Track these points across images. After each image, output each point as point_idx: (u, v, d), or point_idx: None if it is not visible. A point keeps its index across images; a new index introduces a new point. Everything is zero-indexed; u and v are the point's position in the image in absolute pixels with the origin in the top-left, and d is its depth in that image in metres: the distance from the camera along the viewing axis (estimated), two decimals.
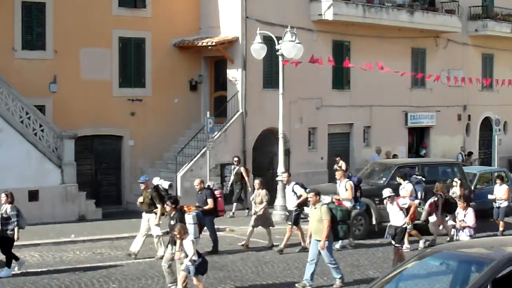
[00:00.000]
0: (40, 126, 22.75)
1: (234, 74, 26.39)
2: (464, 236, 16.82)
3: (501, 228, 21.26)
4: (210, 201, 17.93)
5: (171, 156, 25.61)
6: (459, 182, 20.89)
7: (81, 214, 22.85)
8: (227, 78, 26.66)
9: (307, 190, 18.09)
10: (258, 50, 23.15)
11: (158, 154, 26.29)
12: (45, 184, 22.26)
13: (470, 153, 33.32)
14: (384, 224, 20.67)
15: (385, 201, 16.62)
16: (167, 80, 26.48)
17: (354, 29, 29.13)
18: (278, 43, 23.11)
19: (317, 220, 14.51)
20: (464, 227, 16.85)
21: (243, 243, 19.01)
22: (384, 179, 21.71)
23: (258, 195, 19.23)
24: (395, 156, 29.52)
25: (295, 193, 18.79)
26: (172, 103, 26.71)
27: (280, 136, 23.76)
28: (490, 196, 21.75)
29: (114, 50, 25.48)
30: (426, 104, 32.27)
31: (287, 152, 26.43)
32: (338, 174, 19.91)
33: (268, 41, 23.71)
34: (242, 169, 24.28)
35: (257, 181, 19.58)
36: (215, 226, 18.78)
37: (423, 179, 21.31)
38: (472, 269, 8.22)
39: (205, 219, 17.53)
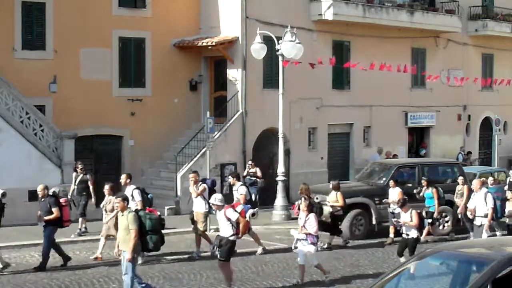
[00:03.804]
0: (40, 126, 22.76)
1: (234, 74, 26.40)
2: (305, 246, 15.05)
3: (391, 235, 19.85)
4: (55, 210, 16.08)
5: (171, 156, 25.62)
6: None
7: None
8: (227, 78, 26.67)
9: (149, 195, 17.40)
10: (258, 50, 23.16)
11: (158, 154, 26.30)
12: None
13: (469, 153, 33.32)
14: (384, 224, 20.73)
15: (212, 207, 14.92)
16: (167, 80, 26.49)
17: (354, 29, 29.13)
18: (278, 43, 23.12)
19: (124, 229, 13.05)
20: (306, 235, 15.04)
21: (95, 256, 17.18)
22: (384, 179, 21.70)
23: (109, 202, 16.82)
24: (395, 156, 29.53)
25: (133, 197, 16.74)
26: (172, 103, 26.72)
27: (280, 136, 23.76)
28: (385, 200, 20.25)
29: (114, 50, 25.50)
30: (426, 104, 32.28)
31: (287, 152, 26.44)
32: (191, 176, 18.30)
33: (268, 41, 23.71)
34: (88, 177, 20.99)
35: (106, 187, 17.17)
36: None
37: (258, 179, 20.21)
38: (472, 269, 8.22)
39: (45, 229, 16.21)
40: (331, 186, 19.90)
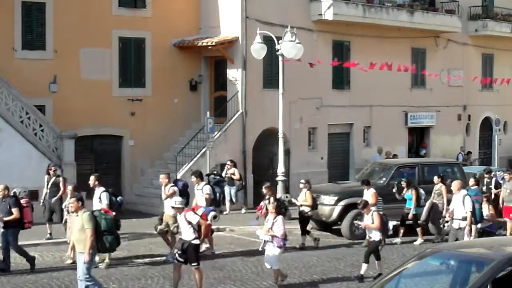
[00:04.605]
0: (40, 126, 22.76)
1: (234, 74, 26.40)
2: (271, 248, 14.62)
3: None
4: (15, 211, 15.69)
5: (171, 156, 25.62)
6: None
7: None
8: (227, 78, 26.67)
9: (118, 199, 16.93)
10: (258, 50, 23.17)
11: (158, 154, 26.30)
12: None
13: (469, 153, 33.33)
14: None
15: (173, 210, 14.66)
16: (167, 80, 26.49)
17: (354, 29, 29.13)
18: (278, 43, 23.12)
19: (79, 230, 12.85)
20: (272, 237, 14.55)
21: (69, 262, 16.46)
22: (384, 179, 21.72)
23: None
24: (395, 156, 29.55)
25: (101, 200, 16.43)
26: (172, 103, 26.71)
27: (280, 136, 23.77)
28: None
29: (114, 50, 25.49)
30: (426, 104, 32.27)
31: (287, 152, 26.44)
32: (161, 177, 17.83)
33: (268, 41, 23.72)
34: (61, 179, 19.99)
35: (69, 187, 16.93)
36: None
37: (222, 177, 19.35)
38: (472, 269, 8.23)
39: (8, 232, 15.82)
40: (301, 185, 19.64)
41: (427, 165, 23.44)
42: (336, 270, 16.46)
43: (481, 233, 17.22)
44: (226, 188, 23.52)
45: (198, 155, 24.81)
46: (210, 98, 27.70)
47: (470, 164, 31.17)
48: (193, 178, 18.08)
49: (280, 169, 23.53)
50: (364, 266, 15.40)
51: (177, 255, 13.90)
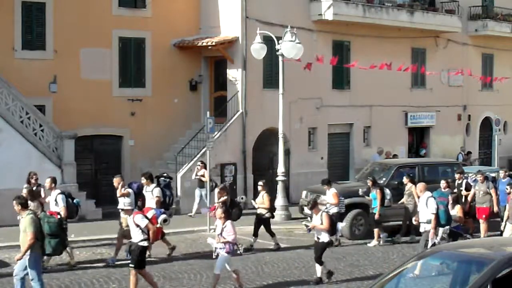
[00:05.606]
0: (40, 126, 22.75)
1: (234, 74, 26.40)
2: (221, 252, 14.12)
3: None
4: None
5: (171, 156, 25.63)
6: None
7: (81, 214, 22.76)
8: (227, 78, 26.67)
9: (75, 201, 16.55)
10: (258, 50, 23.18)
11: (158, 154, 26.30)
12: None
13: (469, 153, 33.33)
14: (384, 224, 20.69)
15: (121, 212, 14.46)
16: (167, 80, 26.49)
17: (354, 29, 29.13)
18: (278, 43, 23.14)
19: (23, 231, 12.77)
20: (224, 243, 14.09)
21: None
22: (384, 179, 21.71)
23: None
24: (395, 156, 29.55)
25: (57, 202, 16.15)
26: (172, 103, 26.71)
27: (280, 136, 23.78)
28: (319, 201, 18.74)
29: (114, 50, 25.49)
30: (426, 104, 32.27)
31: (287, 152, 26.44)
32: (115, 180, 17.76)
33: (268, 41, 23.72)
34: (42, 189, 18.26)
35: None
36: None
37: (172, 179, 19.05)
38: (472, 269, 8.23)
39: None
40: (259, 188, 19.29)
41: (427, 165, 23.45)
42: (336, 270, 16.43)
43: (448, 234, 17.07)
44: (197, 191, 23.34)
45: (198, 155, 24.80)
46: (210, 98, 27.71)
47: (470, 164, 31.15)
48: (143, 180, 17.85)
49: (280, 169, 23.53)
50: (319, 268, 15.19)
51: (129, 255, 13.77)
